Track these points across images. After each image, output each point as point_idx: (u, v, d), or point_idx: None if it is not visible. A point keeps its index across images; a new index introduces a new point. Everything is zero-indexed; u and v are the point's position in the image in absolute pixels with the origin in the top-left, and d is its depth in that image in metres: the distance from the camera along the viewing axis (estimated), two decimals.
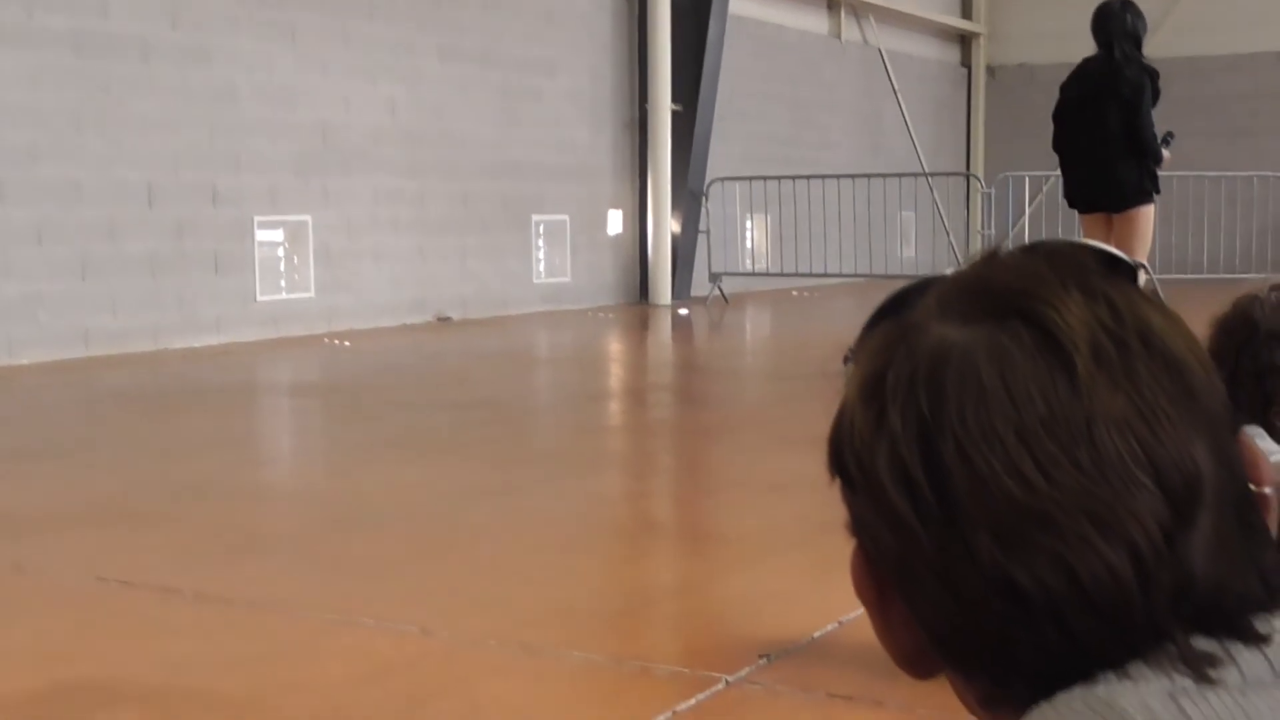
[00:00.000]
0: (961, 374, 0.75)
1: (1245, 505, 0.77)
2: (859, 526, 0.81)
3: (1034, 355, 0.74)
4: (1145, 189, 8.07)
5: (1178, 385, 0.75)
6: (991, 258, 0.82)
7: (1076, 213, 8.42)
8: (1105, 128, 7.93)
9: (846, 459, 0.80)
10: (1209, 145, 19.28)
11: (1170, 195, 17.27)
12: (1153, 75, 8.04)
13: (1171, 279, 16.10)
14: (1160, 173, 8.13)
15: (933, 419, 0.74)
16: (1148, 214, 8.14)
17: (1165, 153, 8.01)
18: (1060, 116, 8.23)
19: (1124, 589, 0.72)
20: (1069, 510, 0.71)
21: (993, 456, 0.72)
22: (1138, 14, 8.12)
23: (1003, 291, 0.78)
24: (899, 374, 0.77)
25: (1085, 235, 8.15)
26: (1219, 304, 2.71)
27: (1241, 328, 2.75)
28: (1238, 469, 0.77)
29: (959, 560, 0.74)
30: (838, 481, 0.83)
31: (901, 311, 0.83)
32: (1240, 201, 18.08)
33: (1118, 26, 8.03)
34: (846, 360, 0.87)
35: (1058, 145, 8.30)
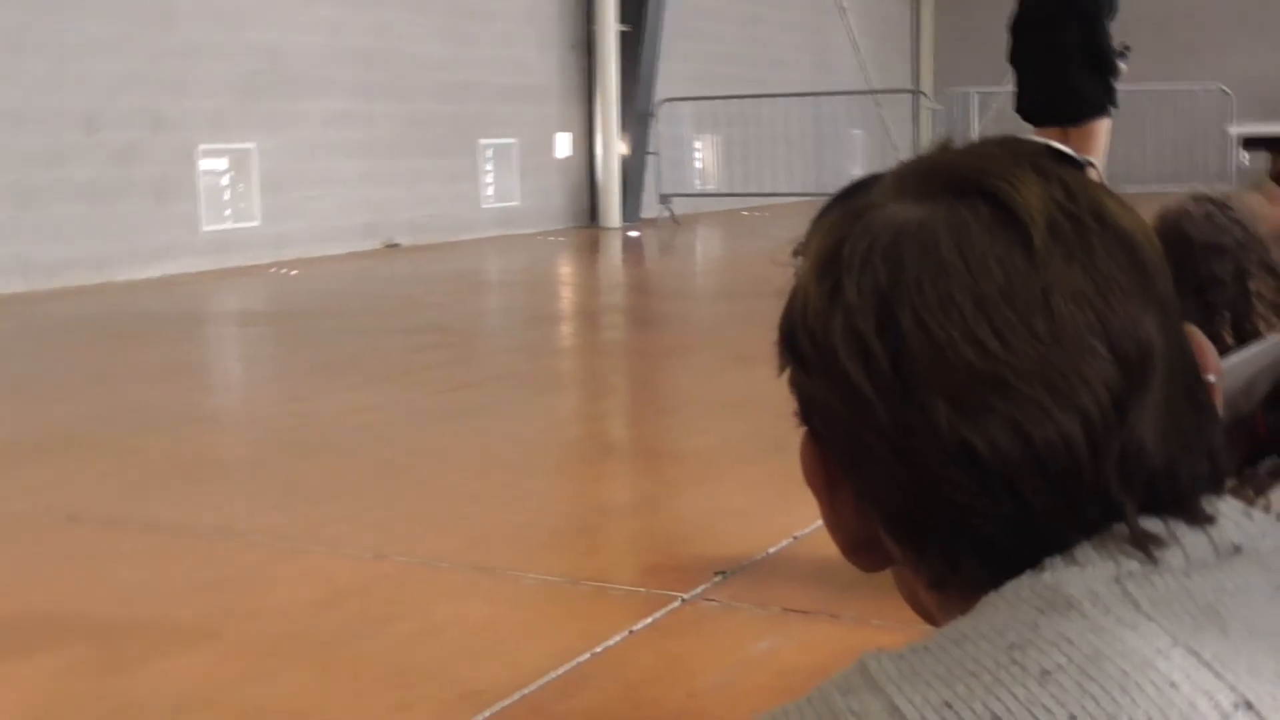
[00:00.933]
0: (920, 245, 0.75)
1: (1195, 384, 0.78)
2: (811, 408, 0.81)
3: (991, 229, 0.75)
4: (1102, 102, 8.10)
5: (1131, 261, 0.76)
6: (945, 146, 0.83)
7: (1030, 126, 8.40)
8: (1063, 40, 7.93)
9: (799, 337, 0.79)
10: (1150, 58, 19.26)
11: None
12: None
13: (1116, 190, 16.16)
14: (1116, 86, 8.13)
15: (890, 289, 0.74)
16: (1104, 127, 8.19)
17: (1122, 65, 8.03)
18: (1017, 28, 8.21)
19: (1076, 455, 0.72)
20: (1025, 376, 0.72)
21: (950, 325, 0.73)
22: None
23: (958, 171, 0.78)
24: (855, 247, 0.77)
25: None
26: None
27: (1176, 242, 2.74)
28: (1187, 350, 0.78)
29: (915, 430, 0.74)
30: (788, 372, 0.82)
31: (853, 200, 0.83)
32: (1180, 113, 18.14)
33: None
34: (796, 254, 0.87)
35: (1013, 58, 8.29)
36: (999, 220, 0.75)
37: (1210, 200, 2.84)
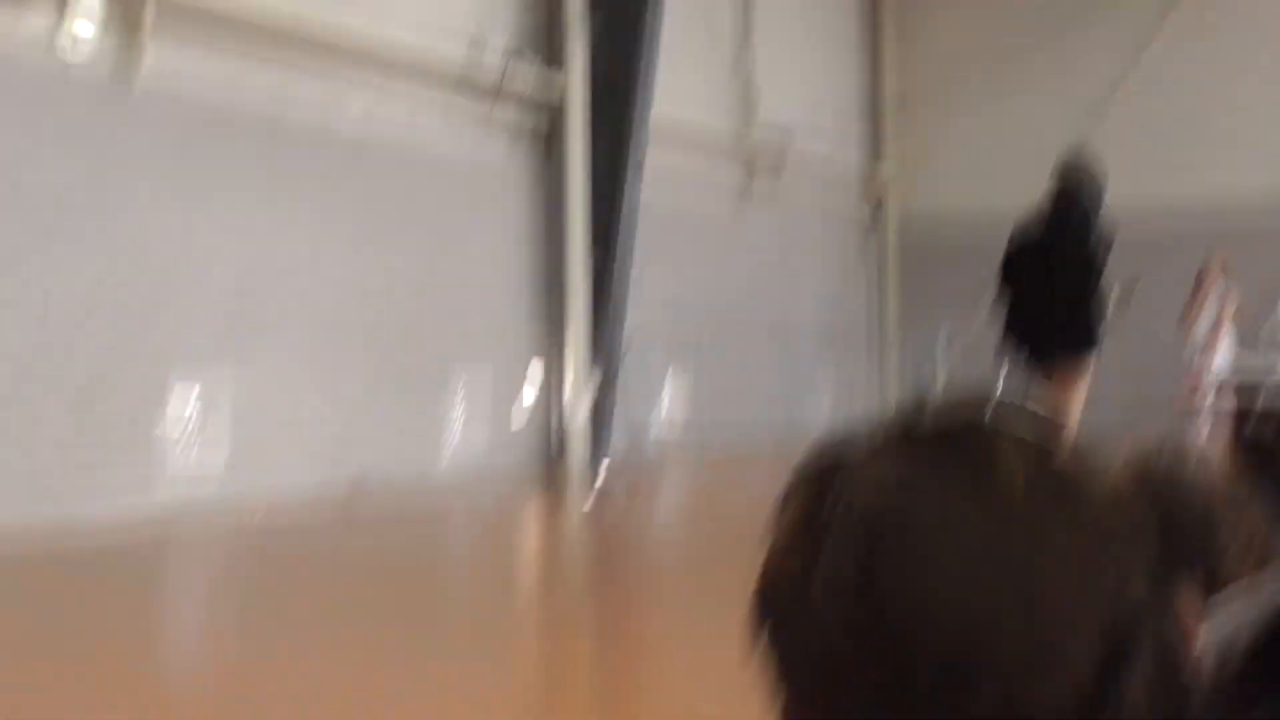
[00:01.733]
0: (901, 507, 0.74)
1: (1181, 665, 0.76)
2: (787, 674, 0.78)
3: (972, 492, 0.74)
4: (1095, 339, 8.18)
5: (1114, 528, 0.74)
6: (921, 405, 0.83)
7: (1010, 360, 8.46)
8: (1064, 275, 8.03)
9: (776, 598, 0.78)
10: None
11: None
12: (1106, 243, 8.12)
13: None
14: None
15: (872, 551, 0.73)
16: (1089, 365, 8.20)
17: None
18: (1018, 259, 8.28)
19: None
20: (1011, 645, 0.71)
21: (934, 589, 0.72)
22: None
23: (938, 432, 0.78)
24: (834, 509, 0.76)
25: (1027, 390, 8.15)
26: None
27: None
28: (1176, 618, 0.76)
29: (898, 696, 0.72)
30: (761, 640, 0.80)
31: (831, 457, 0.83)
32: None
33: (1075, 186, 8.28)
34: (774, 511, 0.86)
35: (1012, 288, 8.34)
36: (980, 483, 0.75)
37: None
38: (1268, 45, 20.84)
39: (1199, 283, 12.75)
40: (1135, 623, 0.72)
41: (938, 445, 0.77)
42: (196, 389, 11.61)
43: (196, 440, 11.61)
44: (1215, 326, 12.30)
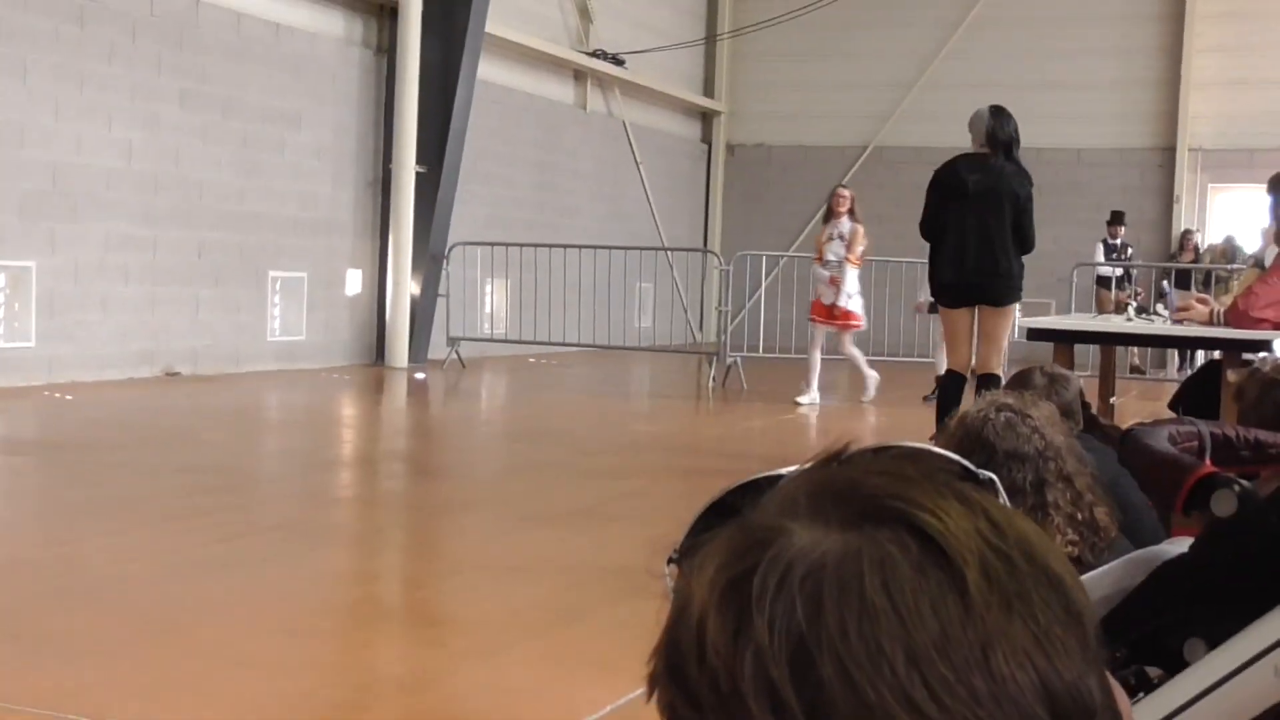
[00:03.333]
0: (841, 583, 0.66)
1: None
2: None
3: (921, 567, 0.67)
4: (1021, 286, 8.31)
5: (1065, 609, 0.68)
6: (847, 457, 0.76)
7: (935, 306, 8.63)
8: (1001, 224, 8.08)
9: (692, 673, 0.68)
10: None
11: (890, 278, 17.90)
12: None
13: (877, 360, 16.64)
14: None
15: (809, 633, 0.65)
16: (1015, 311, 8.46)
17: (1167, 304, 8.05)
18: (947, 201, 8.23)
19: None
20: None
21: (879, 680, 0.64)
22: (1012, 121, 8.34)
23: (875, 494, 0.70)
24: (766, 578, 0.67)
25: (949, 328, 8.46)
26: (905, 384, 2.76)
27: (979, 448, 2.83)
28: (1115, 703, 0.70)
29: None
30: (655, 699, 0.72)
31: (741, 511, 0.75)
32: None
33: (1006, 130, 8.22)
34: (672, 561, 0.79)
35: (938, 230, 8.32)
36: (928, 558, 0.67)
37: (1011, 408, 2.94)
38: (1083, 7, 21.56)
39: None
40: (1090, 718, 0.66)
41: (879, 509, 0.69)
42: (2, 273, 11.38)
43: (2, 324, 11.40)
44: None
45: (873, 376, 13.21)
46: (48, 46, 11.56)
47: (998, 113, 8.35)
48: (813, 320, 13.21)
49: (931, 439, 4.21)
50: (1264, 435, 2.49)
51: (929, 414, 9.21)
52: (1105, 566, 2.20)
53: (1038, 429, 2.88)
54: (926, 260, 8.71)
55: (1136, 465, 2.36)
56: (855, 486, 0.71)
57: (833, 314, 12.92)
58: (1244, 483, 2.17)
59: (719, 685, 0.67)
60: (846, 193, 13.09)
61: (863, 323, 13.24)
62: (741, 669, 0.66)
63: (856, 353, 13.21)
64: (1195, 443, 2.45)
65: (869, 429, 11.45)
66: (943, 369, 12.05)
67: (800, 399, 12.91)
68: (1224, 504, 2.09)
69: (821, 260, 12.96)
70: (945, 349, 8.85)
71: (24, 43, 11.36)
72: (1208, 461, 2.37)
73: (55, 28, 11.62)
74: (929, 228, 8.40)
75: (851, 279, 12.88)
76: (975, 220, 8.12)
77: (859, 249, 12.89)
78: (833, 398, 13.66)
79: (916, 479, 0.71)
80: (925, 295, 12.87)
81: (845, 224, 12.90)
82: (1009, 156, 8.27)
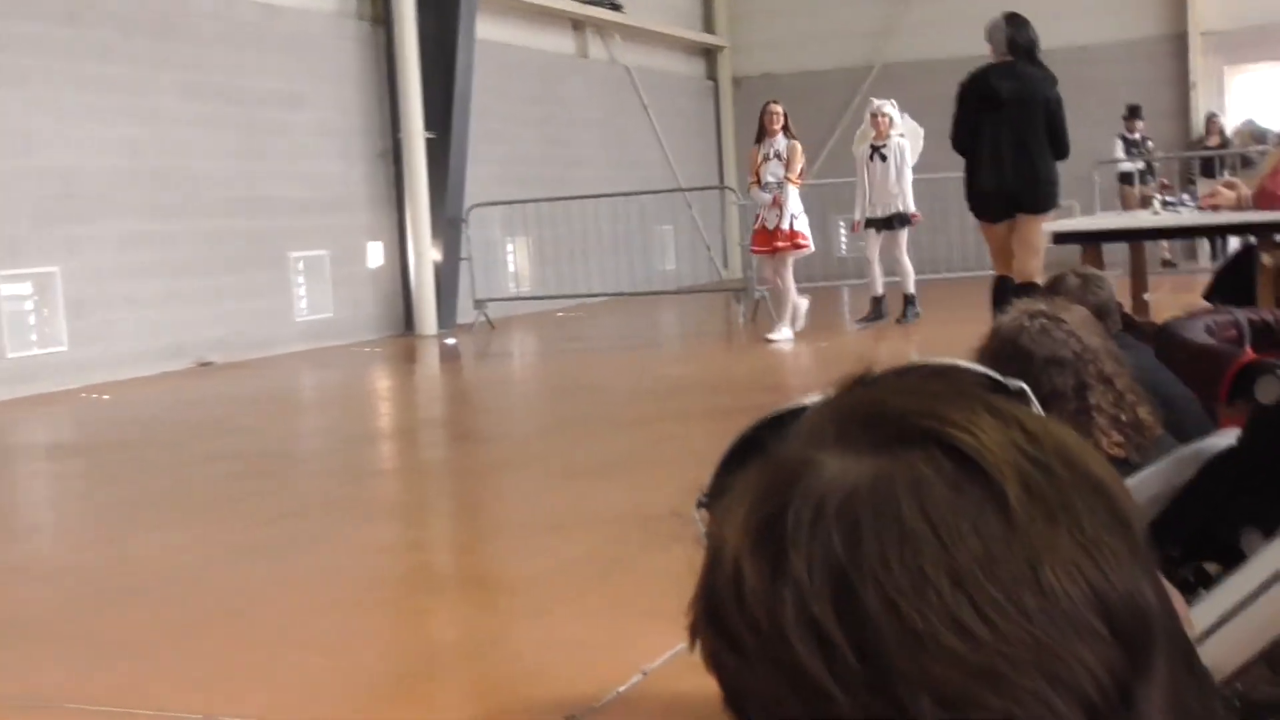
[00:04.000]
0: (878, 510, 0.64)
1: (1191, 652, 0.70)
2: (749, 702, 0.67)
3: (957, 486, 0.64)
4: (1058, 194, 8.46)
5: (1113, 516, 0.66)
6: (870, 379, 0.74)
7: (976, 219, 8.56)
8: (1037, 131, 8.15)
9: (731, 619, 0.66)
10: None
11: (931, 198, 17.77)
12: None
13: (939, 278, 16.54)
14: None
15: (849, 565, 0.63)
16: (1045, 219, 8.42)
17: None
18: (983, 111, 8.19)
19: None
20: (1019, 665, 0.62)
21: (926, 606, 0.62)
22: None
23: (904, 414, 0.68)
24: (800, 514, 0.65)
25: (992, 243, 8.44)
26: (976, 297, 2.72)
27: (1015, 356, 2.79)
28: (1175, 612, 0.69)
29: None
30: (698, 649, 0.70)
31: (767, 447, 0.73)
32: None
33: (1027, 36, 8.31)
34: (701, 504, 0.77)
35: (976, 142, 8.26)
36: (964, 476, 0.65)
37: (1044, 314, 2.90)
38: None
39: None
40: (1149, 631, 0.65)
41: (909, 429, 0.67)
42: (28, 281, 11.41)
43: (33, 331, 11.43)
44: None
45: (802, 305, 12.50)
46: (42, 51, 11.53)
47: (1013, 19, 8.41)
48: (756, 251, 12.77)
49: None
50: None
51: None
52: (1153, 466, 2.17)
53: (1073, 333, 2.84)
54: (962, 172, 8.61)
55: (1175, 359, 2.32)
56: (882, 409, 0.69)
57: (777, 237, 12.25)
58: None
59: (760, 628, 0.65)
60: (778, 108, 12.44)
61: (811, 244, 12.56)
62: (783, 610, 0.64)
63: (791, 281, 12.39)
64: (1234, 331, 2.41)
65: (892, 352, 11.39)
66: (879, 290, 12.47)
67: (773, 335, 12.27)
68: (1269, 390, 2.05)
69: (759, 183, 12.34)
70: (993, 260, 8.74)
71: (18, 50, 11.32)
72: (1248, 349, 2.33)
73: (46, 31, 11.58)
74: (962, 139, 8.37)
75: (794, 198, 12.33)
76: (1011, 129, 8.11)
77: (798, 166, 12.38)
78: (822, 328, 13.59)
79: (945, 395, 0.69)
80: (860, 214, 13.32)
81: (780, 141, 12.33)
82: (1033, 61, 8.30)
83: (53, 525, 6.78)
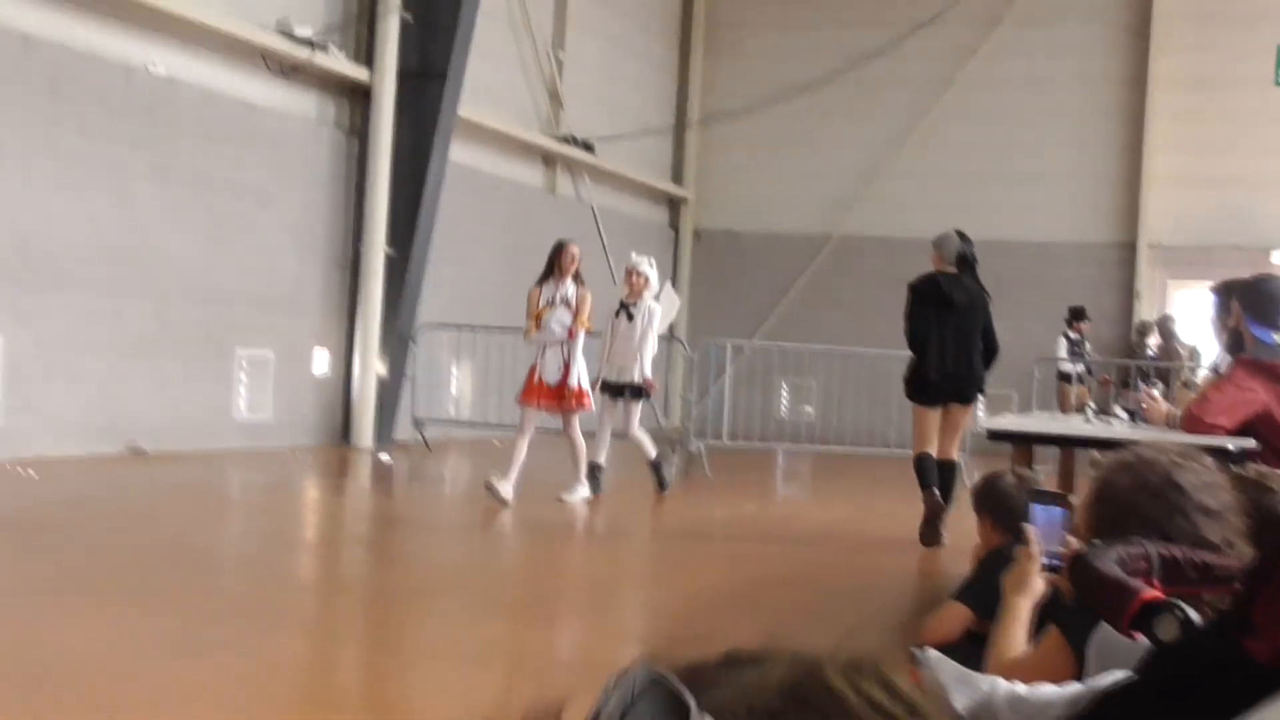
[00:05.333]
0: None
1: None
2: None
3: None
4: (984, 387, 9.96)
5: None
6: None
7: (913, 403, 9.79)
8: (975, 334, 9.63)
9: None
10: (899, 321, 20.25)
11: (853, 368, 18.02)
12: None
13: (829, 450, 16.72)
14: None
15: None
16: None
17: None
18: (932, 311, 9.61)
19: None
20: None
21: None
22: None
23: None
24: None
25: (924, 423, 9.70)
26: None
27: (1170, 488, 2.65)
28: None
29: None
30: None
31: None
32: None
33: (972, 253, 9.78)
34: None
35: (925, 334, 9.67)
36: None
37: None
38: (1046, 101, 21.95)
39: None
40: None
41: None
42: None
43: None
44: None
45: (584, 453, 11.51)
46: (20, 118, 11.63)
47: (964, 237, 9.77)
48: (528, 405, 11.30)
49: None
50: (1211, 558, 2.56)
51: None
52: (1054, 690, 2.27)
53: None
54: (909, 356, 9.91)
55: (1085, 586, 2.44)
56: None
57: (563, 395, 11.21)
58: (1185, 608, 2.24)
59: None
60: (577, 250, 11.52)
61: (591, 402, 11.54)
62: None
63: (579, 434, 11.38)
64: (1144, 564, 2.53)
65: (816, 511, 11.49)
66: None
67: (570, 495, 11.28)
68: (1168, 628, 2.17)
69: (539, 328, 11.31)
70: (916, 439, 9.80)
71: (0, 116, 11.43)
72: (1155, 583, 2.45)
73: (25, 98, 11.69)
74: (916, 334, 9.72)
75: (580, 353, 11.37)
76: (957, 331, 9.55)
77: (586, 315, 11.37)
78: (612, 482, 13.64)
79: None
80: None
81: (570, 286, 11.39)
82: (973, 273, 9.76)
83: None
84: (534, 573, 8.04)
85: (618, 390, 11.92)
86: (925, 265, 10.03)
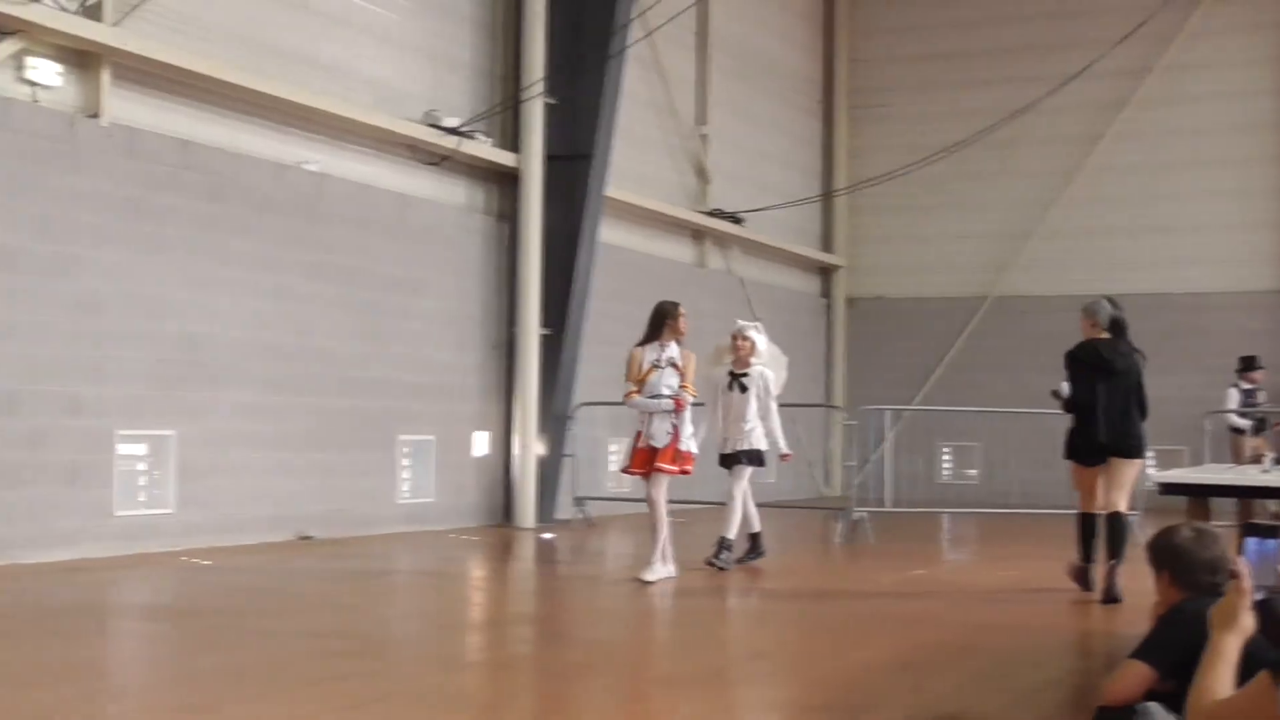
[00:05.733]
0: None
1: None
2: None
3: None
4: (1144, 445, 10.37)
5: None
6: None
7: (1074, 463, 10.28)
8: (1131, 395, 10.18)
9: None
10: (1060, 379, 19.87)
11: (1015, 429, 17.70)
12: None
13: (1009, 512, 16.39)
14: None
15: None
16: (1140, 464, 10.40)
17: None
18: (1095, 375, 10.18)
19: None
20: None
21: None
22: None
23: None
24: None
25: (1087, 481, 10.18)
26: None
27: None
28: None
29: None
30: None
31: None
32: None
33: (1123, 317, 10.38)
34: None
35: (1088, 399, 10.19)
36: None
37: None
38: (1199, 151, 21.54)
39: None
40: None
41: None
42: (144, 442, 11.71)
43: (143, 492, 11.69)
44: None
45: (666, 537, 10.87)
46: (182, 223, 12.01)
47: (1115, 303, 10.43)
48: (638, 472, 10.79)
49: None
50: None
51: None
52: None
53: None
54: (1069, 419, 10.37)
55: (1270, 631, 2.34)
56: None
57: (675, 459, 10.62)
58: None
59: None
60: (684, 312, 10.89)
61: (692, 467, 10.85)
62: None
63: (664, 505, 10.77)
64: None
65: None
66: (755, 525, 11.77)
67: (648, 575, 10.60)
68: None
69: (641, 391, 10.63)
70: (1081, 498, 10.33)
71: (160, 220, 11.81)
72: None
73: (189, 205, 12.07)
74: (1081, 398, 10.20)
75: (689, 417, 10.80)
76: (1117, 393, 10.13)
77: (691, 376, 10.75)
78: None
79: None
80: (714, 445, 11.75)
81: (674, 349, 10.73)
82: (1126, 338, 10.30)
83: (142, 687, 6.87)
84: (699, 645, 7.97)
85: (732, 460, 11.81)
86: (1073, 321, 10.28)
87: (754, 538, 12.08)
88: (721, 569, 11.45)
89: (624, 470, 11.16)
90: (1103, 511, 10.07)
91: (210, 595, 9.76)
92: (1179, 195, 21.57)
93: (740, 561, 11.81)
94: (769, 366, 12.07)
